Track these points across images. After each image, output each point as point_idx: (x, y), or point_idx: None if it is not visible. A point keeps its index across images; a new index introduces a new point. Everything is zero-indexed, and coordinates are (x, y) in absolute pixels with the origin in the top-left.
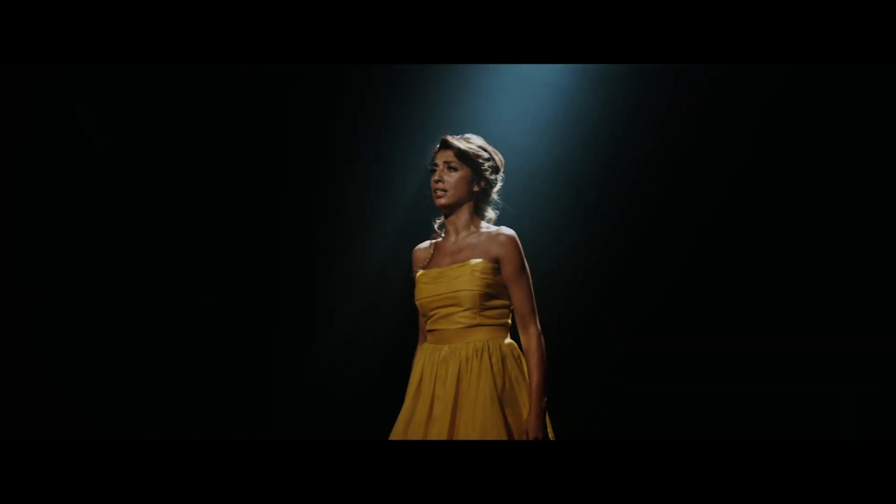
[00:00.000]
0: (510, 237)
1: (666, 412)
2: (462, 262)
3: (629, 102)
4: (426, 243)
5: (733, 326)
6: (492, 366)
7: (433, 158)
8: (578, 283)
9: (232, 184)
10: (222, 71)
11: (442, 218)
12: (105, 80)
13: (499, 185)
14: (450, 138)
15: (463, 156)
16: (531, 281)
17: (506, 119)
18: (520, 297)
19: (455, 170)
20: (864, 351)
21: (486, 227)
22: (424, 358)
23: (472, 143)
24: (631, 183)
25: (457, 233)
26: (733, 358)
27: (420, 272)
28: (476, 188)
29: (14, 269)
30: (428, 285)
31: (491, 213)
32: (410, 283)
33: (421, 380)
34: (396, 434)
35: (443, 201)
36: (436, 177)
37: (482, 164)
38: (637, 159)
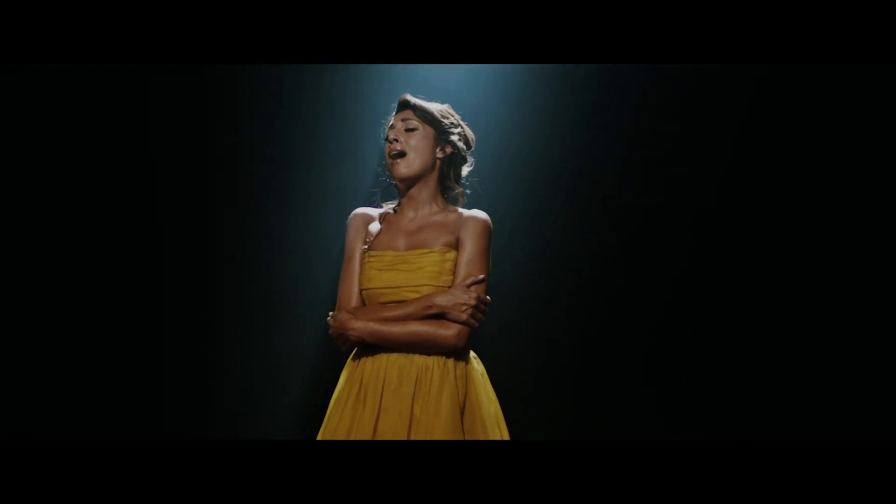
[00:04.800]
0: (483, 219)
1: (662, 412)
2: (425, 246)
3: (597, 102)
4: (371, 210)
5: (730, 326)
6: (456, 378)
7: (389, 124)
8: (558, 281)
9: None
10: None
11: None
12: None
13: (469, 165)
14: (409, 97)
15: (425, 114)
16: (487, 280)
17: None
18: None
19: (415, 130)
20: (863, 351)
21: (454, 209)
22: (365, 358)
23: (435, 105)
24: (618, 182)
25: (415, 210)
26: (732, 357)
27: (370, 253)
28: (441, 154)
29: None
30: (382, 273)
31: (460, 198)
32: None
33: (361, 386)
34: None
35: (402, 169)
36: (392, 135)
37: (449, 127)
38: (609, 159)
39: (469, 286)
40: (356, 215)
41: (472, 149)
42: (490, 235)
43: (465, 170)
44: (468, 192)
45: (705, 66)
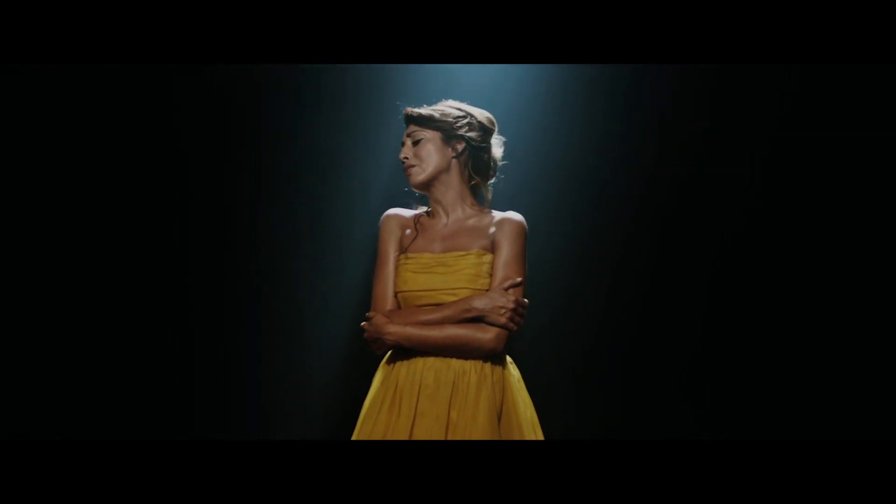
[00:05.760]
0: (518, 221)
1: (660, 413)
2: (462, 249)
3: (627, 104)
4: (404, 211)
5: (730, 326)
6: (493, 383)
7: (401, 142)
8: (581, 282)
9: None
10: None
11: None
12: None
13: (497, 152)
14: (408, 109)
15: (424, 121)
16: (525, 284)
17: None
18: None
19: (421, 140)
20: (864, 351)
21: (488, 211)
22: (400, 362)
23: (438, 106)
24: (629, 185)
25: (447, 213)
26: (731, 357)
27: (406, 255)
28: (453, 152)
29: None
30: (418, 275)
31: (487, 194)
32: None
33: (397, 390)
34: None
35: (415, 178)
36: (403, 154)
37: (453, 123)
38: (640, 162)
39: (507, 289)
40: (389, 217)
41: (495, 129)
42: (526, 237)
43: (498, 151)
44: (492, 184)
45: (740, 66)
